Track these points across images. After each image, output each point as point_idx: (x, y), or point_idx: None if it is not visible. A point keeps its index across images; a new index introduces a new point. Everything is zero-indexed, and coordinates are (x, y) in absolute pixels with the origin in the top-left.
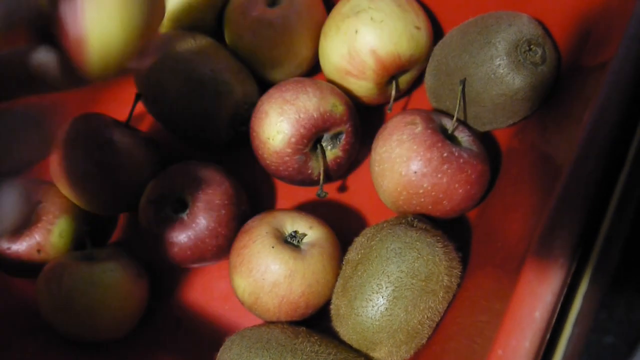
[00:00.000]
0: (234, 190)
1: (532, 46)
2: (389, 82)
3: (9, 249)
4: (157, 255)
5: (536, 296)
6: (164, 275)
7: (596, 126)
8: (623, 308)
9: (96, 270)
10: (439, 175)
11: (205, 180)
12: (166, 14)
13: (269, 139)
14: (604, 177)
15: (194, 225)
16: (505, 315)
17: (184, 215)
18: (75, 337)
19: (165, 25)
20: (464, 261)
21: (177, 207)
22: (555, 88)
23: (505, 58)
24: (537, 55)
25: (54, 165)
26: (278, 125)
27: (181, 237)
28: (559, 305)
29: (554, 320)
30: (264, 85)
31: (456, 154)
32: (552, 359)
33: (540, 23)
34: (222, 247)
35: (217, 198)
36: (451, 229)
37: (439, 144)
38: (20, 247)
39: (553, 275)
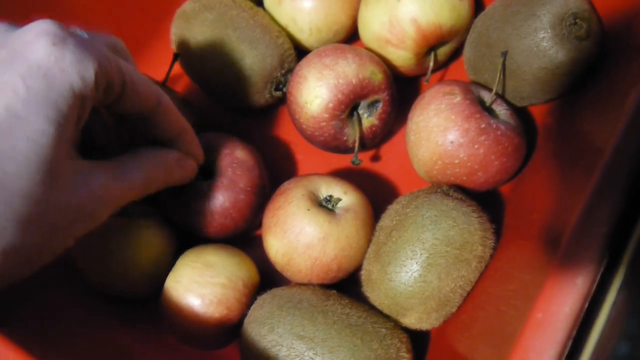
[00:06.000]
0: (260, 180)
1: (577, 20)
2: (427, 53)
3: None
4: (174, 218)
5: (578, 263)
6: (187, 238)
7: None
8: None
9: (133, 225)
10: (476, 146)
11: (238, 160)
12: None
13: (306, 103)
14: None
15: (210, 197)
16: (546, 281)
17: (205, 185)
18: (108, 288)
19: None
20: (497, 233)
21: (200, 174)
22: (597, 65)
23: (549, 31)
24: (582, 30)
25: None
26: (316, 90)
27: (193, 205)
28: (601, 272)
29: (595, 286)
30: (301, 52)
31: (494, 125)
32: (594, 322)
33: None
34: (227, 228)
35: (242, 182)
36: (484, 201)
37: (477, 115)
38: None
39: (596, 243)
